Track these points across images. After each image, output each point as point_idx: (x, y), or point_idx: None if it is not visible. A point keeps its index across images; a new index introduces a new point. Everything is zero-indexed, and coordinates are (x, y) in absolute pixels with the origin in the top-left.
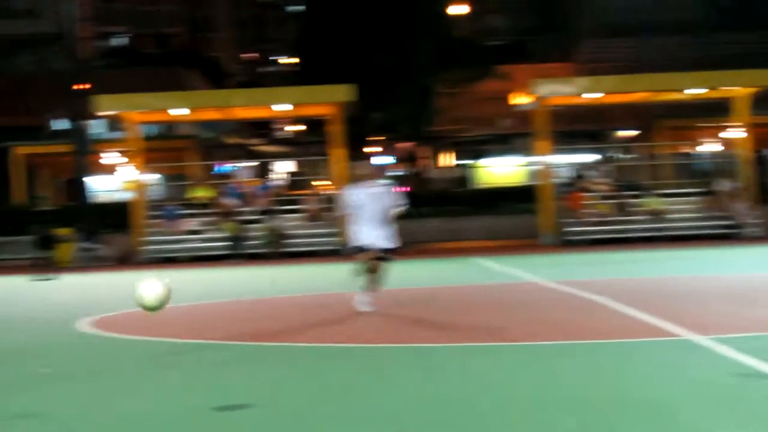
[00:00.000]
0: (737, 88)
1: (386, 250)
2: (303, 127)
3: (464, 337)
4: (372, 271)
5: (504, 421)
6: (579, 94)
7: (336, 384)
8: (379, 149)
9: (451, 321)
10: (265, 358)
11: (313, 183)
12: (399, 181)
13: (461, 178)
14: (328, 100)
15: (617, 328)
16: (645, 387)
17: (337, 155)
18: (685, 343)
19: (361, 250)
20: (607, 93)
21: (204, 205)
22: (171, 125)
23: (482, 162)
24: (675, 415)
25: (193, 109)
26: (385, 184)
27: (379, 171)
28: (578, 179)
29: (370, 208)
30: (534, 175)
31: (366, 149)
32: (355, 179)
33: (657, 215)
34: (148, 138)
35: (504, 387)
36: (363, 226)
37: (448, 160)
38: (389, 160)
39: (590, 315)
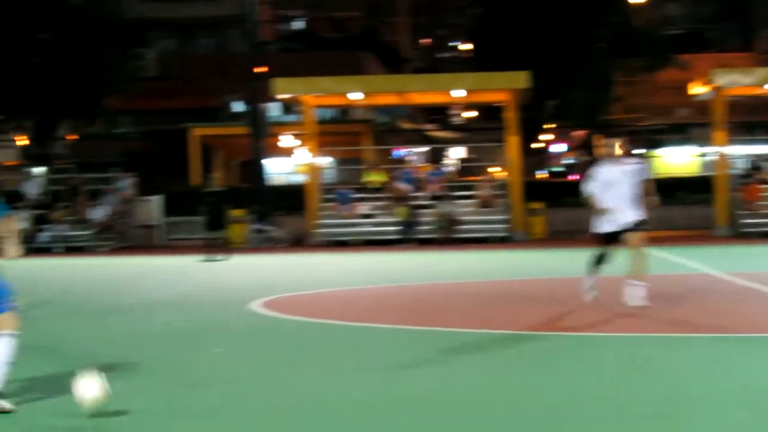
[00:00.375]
0: None
1: (637, 224)
2: (476, 114)
3: (644, 327)
4: (636, 255)
5: (673, 410)
6: (759, 85)
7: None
8: (553, 136)
9: (632, 311)
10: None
11: (486, 169)
12: (572, 168)
13: None
14: (503, 87)
15: None
16: None
17: (511, 142)
18: None
19: (610, 236)
20: None
21: (377, 190)
22: (346, 109)
23: (658, 151)
24: None
25: (369, 94)
26: (637, 162)
27: (628, 148)
28: (755, 171)
29: (621, 187)
30: (710, 165)
31: (540, 136)
32: (604, 157)
33: None
34: (323, 121)
35: (679, 377)
36: (613, 206)
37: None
38: (562, 147)
39: (766, 308)
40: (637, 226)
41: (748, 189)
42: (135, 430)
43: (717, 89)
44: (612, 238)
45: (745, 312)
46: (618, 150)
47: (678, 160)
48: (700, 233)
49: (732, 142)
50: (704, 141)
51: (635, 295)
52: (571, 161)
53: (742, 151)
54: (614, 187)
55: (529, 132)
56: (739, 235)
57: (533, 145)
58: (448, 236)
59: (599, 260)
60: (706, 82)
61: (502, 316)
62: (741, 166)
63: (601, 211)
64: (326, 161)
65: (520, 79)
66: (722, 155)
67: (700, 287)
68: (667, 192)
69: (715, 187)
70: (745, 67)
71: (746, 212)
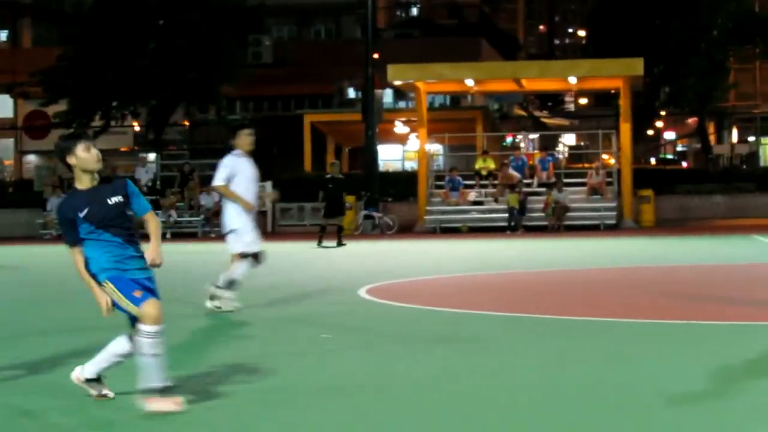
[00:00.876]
0: None
1: None
2: (588, 100)
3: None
4: None
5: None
6: None
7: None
8: (664, 124)
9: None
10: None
11: (597, 156)
12: (684, 156)
13: (748, 155)
14: (617, 74)
15: None
16: None
17: (623, 129)
18: None
19: None
20: None
21: (487, 176)
22: (457, 96)
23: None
24: None
25: (482, 80)
26: None
27: None
28: None
29: None
30: None
31: (652, 123)
32: None
33: None
34: (434, 108)
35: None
36: None
37: (735, 136)
38: (674, 134)
39: None
40: None
41: None
42: (247, 411)
43: None
44: None
45: None
46: None
47: None
48: None
49: None
50: None
51: None
52: (683, 149)
53: None
54: None
55: (642, 119)
56: None
57: (645, 133)
58: (558, 223)
59: None
60: None
61: (613, 305)
62: None
63: None
64: (436, 148)
65: (635, 66)
66: None
67: None
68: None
69: None
70: None
71: None
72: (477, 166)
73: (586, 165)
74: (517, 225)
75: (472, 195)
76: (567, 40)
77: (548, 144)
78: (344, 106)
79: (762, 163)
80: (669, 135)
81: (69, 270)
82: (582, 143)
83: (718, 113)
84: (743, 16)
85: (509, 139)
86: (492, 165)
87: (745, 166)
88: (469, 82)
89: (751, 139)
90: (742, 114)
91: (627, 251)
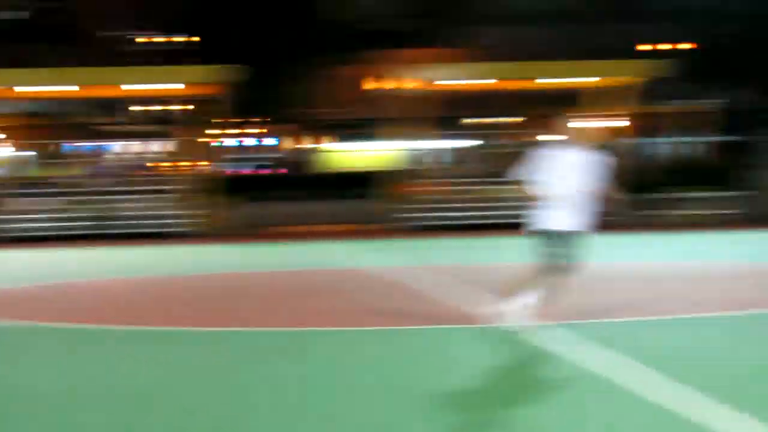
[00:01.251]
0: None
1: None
2: (160, 107)
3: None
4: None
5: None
6: (445, 80)
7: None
8: (256, 130)
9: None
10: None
11: (178, 162)
12: (275, 162)
13: (320, 161)
14: (212, 80)
15: (415, 314)
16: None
17: (195, 135)
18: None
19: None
20: (476, 79)
21: (44, 184)
22: (25, 102)
23: (339, 145)
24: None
25: (51, 86)
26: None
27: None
28: (431, 165)
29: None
30: (389, 160)
31: (222, 131)
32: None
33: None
34: (16, 114)
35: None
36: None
37: (310, 143)
38: (265, 141)
39: (390, 299)
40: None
41: (424, 183)
42: None
43: (407, 84)
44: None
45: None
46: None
47: (359, 154)
48: (375, 227)
49: (416, 136)
50: (390, 136)
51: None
52: (282, 155)
53: (423, 146)
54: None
55: (215, 126)
56: (413, 228)
57: (228, 138)
58: (120, 231)
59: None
60: (396, 78)
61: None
62: (418, 160)
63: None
64: (16, 154)
65: (231, 73)
66: (402, 150)
67: (340, 280)
68: (343, 186)
69: (391, 182)
70: (437, 63)
71: (422, 206)
72: (31, 173)
73: (166, 171)
74: (77, 233)
75: (28, 203)
76: (167, 47)
77: (115, 150)
78: None
79: (328, 170)
80: (262, 141)
81: None
82: (166, 149)
83: (296, 121)
84: (317, 24)
85: (72, 146)
86: (51, 172)
87: (314, 172)
88: (26, 89)
89: (326, 144)
90: (319, 121)
91: (193, 259)
